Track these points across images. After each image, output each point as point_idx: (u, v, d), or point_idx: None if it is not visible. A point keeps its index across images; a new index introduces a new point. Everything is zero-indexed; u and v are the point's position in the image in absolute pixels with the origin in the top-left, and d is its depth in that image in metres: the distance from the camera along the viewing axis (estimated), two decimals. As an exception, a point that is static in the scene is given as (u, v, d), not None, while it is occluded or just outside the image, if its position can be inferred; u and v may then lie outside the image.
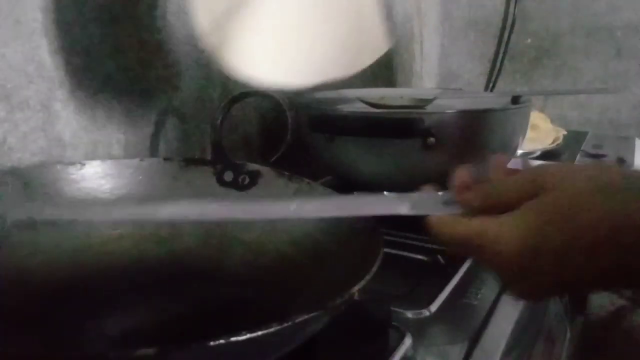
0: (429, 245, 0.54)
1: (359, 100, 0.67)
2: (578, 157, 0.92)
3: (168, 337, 0.32)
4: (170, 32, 0.60)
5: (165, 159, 0.49)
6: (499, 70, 1.31)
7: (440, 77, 1.40)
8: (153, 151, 0.60)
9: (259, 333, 0.24)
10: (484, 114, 0.59)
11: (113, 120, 0.55)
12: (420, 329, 0.39)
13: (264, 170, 0.48)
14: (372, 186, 0.66)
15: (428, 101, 0.66)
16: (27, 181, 0.42)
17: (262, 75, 0.30)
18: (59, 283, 0.38)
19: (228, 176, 0.48)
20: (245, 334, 0.23)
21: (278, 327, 0.24)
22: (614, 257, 0.26)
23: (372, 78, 1.05)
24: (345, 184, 0.61)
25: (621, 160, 0.90)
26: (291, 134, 0.59)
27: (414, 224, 0.57)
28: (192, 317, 0.37)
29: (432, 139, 0.54)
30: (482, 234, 0.30)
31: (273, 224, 0.44)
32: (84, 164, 0.45)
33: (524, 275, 0.29)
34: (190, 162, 0.49)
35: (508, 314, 0.43)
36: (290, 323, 0.25)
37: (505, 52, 1.30)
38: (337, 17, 0.32)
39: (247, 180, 0.48)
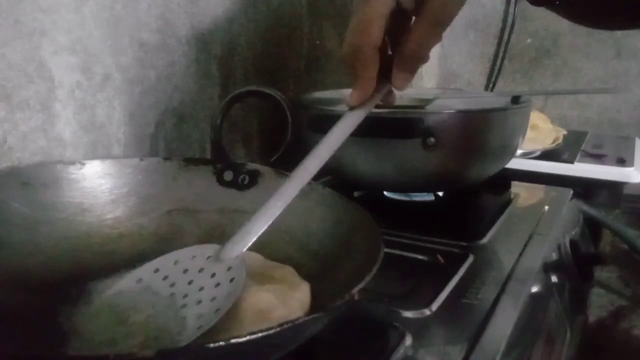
0: (429, 245, 0.54)
1: (359, 100, 0.67)
2: (578, 157, 0.92)
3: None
4: (170, 32, 0.60)
5: (165, 159, 0.48)
6: (499, 70, 1.31)
7: (440, 77, 1.40)
8: (153, 151, 0.60)
9: (259, 335, 0.24)
10: (484, 114, 0.59)
11: (113, 120, 0.55)
12: (420, 329, 0.39)
13: (264, 170, 0.48)
14: (372, 186, 0.66)
15: (428, 101, 0.65)
16: (27, 181, 0.42)
17: None
18: (59, 283, 0.38)
19: (228, 176, 0.48)
20: (246, 336, 0.23)
21: (278, 329, 0.24)
22: None
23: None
24: (345, 184, 0.61)
25: (621, 160, 0.90)
26: (291, 134, 0.59)
27: (414, 224, 0.58)
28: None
29: (432, 139, 0.54)
30: None
31: (273, 224, 0.44)
32: (84, 164, 0.45)
33: None
34: (190, 162, 0.49)
35: (508, 314, 0.43)
36: (290, 324, 0.25)
37: (505, 52, 1.30)
38: None
39: (247, 180, 0.48)
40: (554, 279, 0.55)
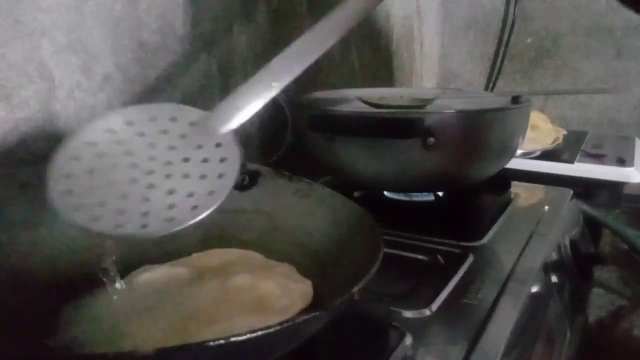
0: (429, 245, 0.54)
1: (359, 100, 0.67)
2: (578, 157, 0.92)
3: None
4: (170, 32, 0.60)
5: (165, 159, 0.48)
6: (499, 70, 1.31)
7: (440, 77, 1.40)
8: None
9: (259, 333, 0.24)
10: (484, 114, 0.59)
11: (113, 120, 0.55)
12: (420, 329, 0.39)
13: (264, 170, 0.48)
14: (372, 186, 0.66)
15: (428, 101, 0.66)
16: (27, 181, 0.42)
17: None
18: (59, 283, 0.38)
19: (228, 176, 0.48)
20: (246, 334, 0.23)
21: (278, 327, 0.24)
22: None
23: (372, 78, 1.05)
24: (345, 184, 0.61)
25: (621, 160, 0.90)
26: (291, 134, 0.59)
27: (414, 224, 0.58)
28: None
29: (432, 139, 0.54)
30: None
31: (273, 224, 0.44)
32: (84, 164, 0.45)
33: None
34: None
35: (508, 314, 0.43)
36: (290, 323, 0.25)
37: (505, 52, 1.30)
38: None
39: (247, 180, 0.48)
40: (554, 279, 0.55)
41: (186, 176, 0.30)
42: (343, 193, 0.43)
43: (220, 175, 0.30)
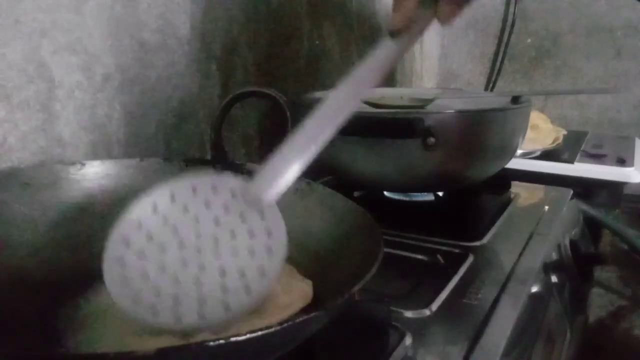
0: (429, 245, 0.54)
1: (359, 100, 0.67)
2: (578, 157, 0.92)
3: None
4: (170, 32, 0.60)
5: (165, 159, 0.48)
6: (499, 70, 1.31)
7: (440, 77, 1.40)
8: (153, 151, 0.60)
9: (259, 333, 0.24)
10: (484, 114, 0.59)
11: (113, 120, 0.55)
12: (420, 329, 0.39)
13: (264, 170, 0.47)
14: (372, 186, 0.66)
15: (428, 101, 0.65)
16: (27, 181, 0.42)
17: None
18: (59, 283, 0.38)
19: (228, 176, 0.48)
20: (246, 334, 0.23)
21: (278, 328, 0.24)
22: None
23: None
24: (345, 184, 0.61)
25: (621, 160, 0.90)
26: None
27: (414, 224, 0.58)
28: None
29: (432, 139, 0.54)
30: None
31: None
32: (84, 164, 0.45)
33: None
34: (190, 162, 0.49)
35: (508, 314, 0.43)
36: (290, 323, 0.25)
37: (505, 52, 1.30)
38: None
39: (247, 181, 0.48)
40: (554, 279, 0.55)
41: (235, 253, 0.30)
42: (343, 193, 0.43)
43: (269, 251, 0.30)
